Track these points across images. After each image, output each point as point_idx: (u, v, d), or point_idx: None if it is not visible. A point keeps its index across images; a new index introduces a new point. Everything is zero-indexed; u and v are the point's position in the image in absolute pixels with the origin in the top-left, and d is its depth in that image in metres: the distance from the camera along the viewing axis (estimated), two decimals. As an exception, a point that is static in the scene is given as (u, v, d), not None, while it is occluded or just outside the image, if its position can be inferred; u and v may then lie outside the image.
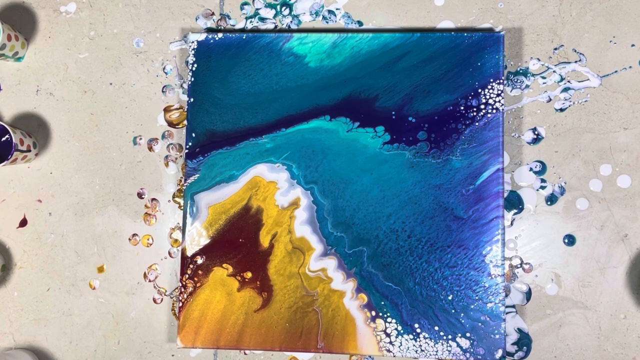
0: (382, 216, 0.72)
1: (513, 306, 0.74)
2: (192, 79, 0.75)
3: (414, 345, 0.70)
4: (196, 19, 0.79)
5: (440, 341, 0.70)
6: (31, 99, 0.80)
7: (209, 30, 0.79)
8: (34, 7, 0.81)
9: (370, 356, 0.75)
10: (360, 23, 0.78)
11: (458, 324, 0.70)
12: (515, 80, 0.76)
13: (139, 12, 0.80)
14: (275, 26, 0.79)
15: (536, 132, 0.75)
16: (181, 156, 0.78)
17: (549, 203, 0.74)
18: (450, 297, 0.70)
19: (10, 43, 0.76)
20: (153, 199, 0.78)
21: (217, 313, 0.72)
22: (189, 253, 0.73)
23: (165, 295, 0.77)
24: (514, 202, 0.75)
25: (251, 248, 0.73)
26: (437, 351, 0.70)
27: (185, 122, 0.78)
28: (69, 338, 0.78)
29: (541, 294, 0.74)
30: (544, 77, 0.75)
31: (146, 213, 0.78)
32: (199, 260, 0.73)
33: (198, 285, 0.73)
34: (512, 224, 0.75)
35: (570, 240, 0.74)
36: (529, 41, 0.76)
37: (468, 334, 0.70)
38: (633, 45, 0.75)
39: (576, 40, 0.75)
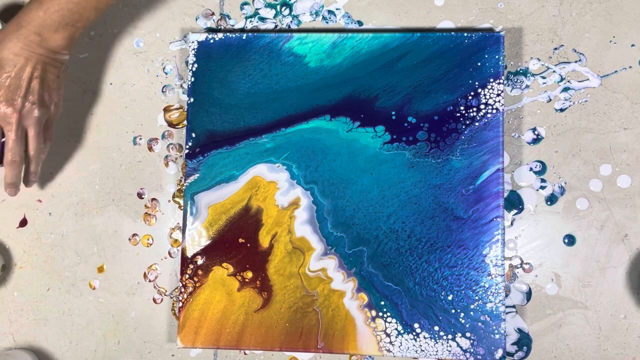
0: (382, 216, 0.72)
1: (513, 306, 0.74)
2: (192, 79, 0.75)
3: (414, 345, 0.70)
4: (196, 19, 0.79)
5: (440, 341, 0.70)
6: (31, 99, 0.80)
7: (209, 30, 0.79)
8: (34, 7, 0.81)
9: (370, 356, 0.75)
10: (360, 23, 0.78)
11: (458, 324, 0.70)
12: (515, 80, 0.76)
13: (139, 12, 0.80)
14: (275, 26, 0.79)
15: (536, 132, 0.75)
16: (181, 156, 0.78)
17: (549, 203, 0.74)
18: (450, 297, 0.70)
19: (10, 43, 0.76)
20: (153, 199, 0.78)
21: (217, 313, 0.72)
22: (189, 253, 0.73)
23: (165, 295, 0.77)
24: (514, 202, 0.75)
25: (251, 248, 0.73)
26: (437, 351, 0.70)
27: (185, 122, 0.78)
28: (69, 338, 0.78)
29: (541, 294, 0.74)
30: (544, 77, 0.75)
31: (146, 213, 0.78)
32: (199, 260, 0.73)
33: (198, 285, 0.73)
34: (512, 224, 0.75)
35: (570, 240, 0.74)
36: (529, 41, 0.76)
37: (468, 334, 0.70)
38: (633, 45, 0.75)
39: (576, 40, 0.75)
